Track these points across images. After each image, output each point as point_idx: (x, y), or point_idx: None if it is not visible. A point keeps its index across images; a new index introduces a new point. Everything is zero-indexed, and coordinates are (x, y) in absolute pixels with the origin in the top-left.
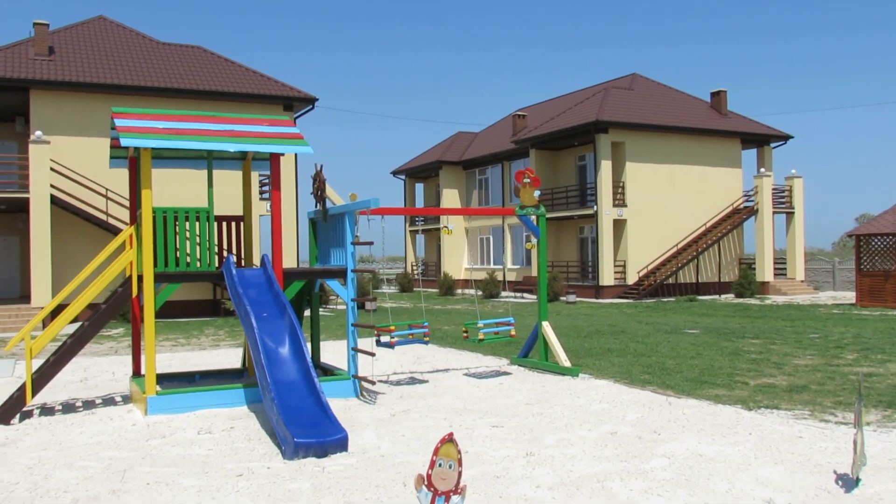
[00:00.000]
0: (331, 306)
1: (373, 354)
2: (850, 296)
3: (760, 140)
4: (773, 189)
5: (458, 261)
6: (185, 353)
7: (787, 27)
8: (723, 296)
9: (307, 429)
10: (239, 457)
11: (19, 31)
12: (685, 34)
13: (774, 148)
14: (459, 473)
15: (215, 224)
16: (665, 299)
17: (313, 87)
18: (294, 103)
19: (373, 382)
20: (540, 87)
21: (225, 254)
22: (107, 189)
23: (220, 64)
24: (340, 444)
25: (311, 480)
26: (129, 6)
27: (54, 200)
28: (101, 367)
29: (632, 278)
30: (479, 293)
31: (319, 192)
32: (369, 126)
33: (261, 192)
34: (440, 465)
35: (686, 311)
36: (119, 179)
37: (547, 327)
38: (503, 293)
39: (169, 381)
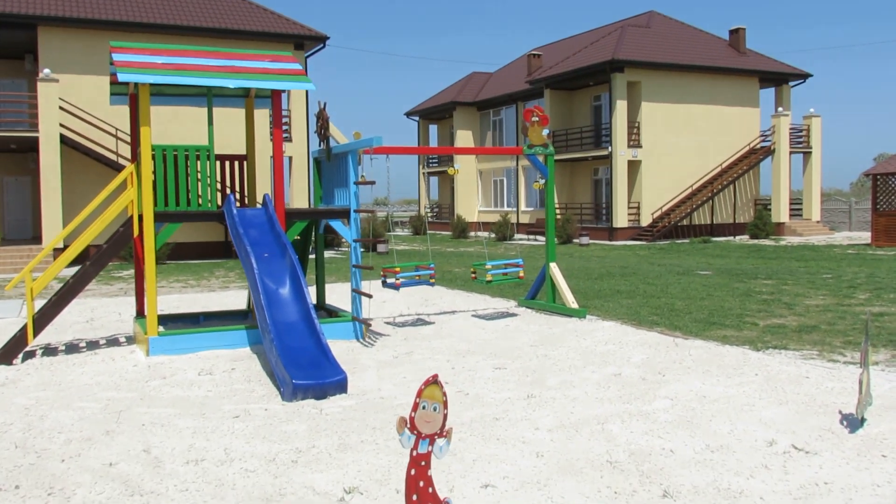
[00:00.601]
0: (343, 248)
1: (370, 296)
2: (865, 236)
3: (779, 79)
4: (791, 129)
5: (471, 203)
6: (194, 295)
7: None
8: (738, 237)
9: (306, 370)
10: (238, 398)
11: None
12: None
13: (793, 87)
14: (445, 416)
15: (216, 163)
16: (679, 241)
17: (325, 26)
18: (305, 42)
19: (369, 324)
20: (558, 25)
21: (229, 193)
22: (116, 129)
23: (231, 1)
24: (339, 385)
25: (308, 422)
26: None
27: (64, 140)
28: (108, 308)
29: (646, 220)
30: (492, 235)
31: (323, 131)
32: (383, 66)
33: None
34: (424, 408)
35: (700, 252)
36: (128, 118)
37: (555, 269)
38: (516, 235)
39: (173, 321)
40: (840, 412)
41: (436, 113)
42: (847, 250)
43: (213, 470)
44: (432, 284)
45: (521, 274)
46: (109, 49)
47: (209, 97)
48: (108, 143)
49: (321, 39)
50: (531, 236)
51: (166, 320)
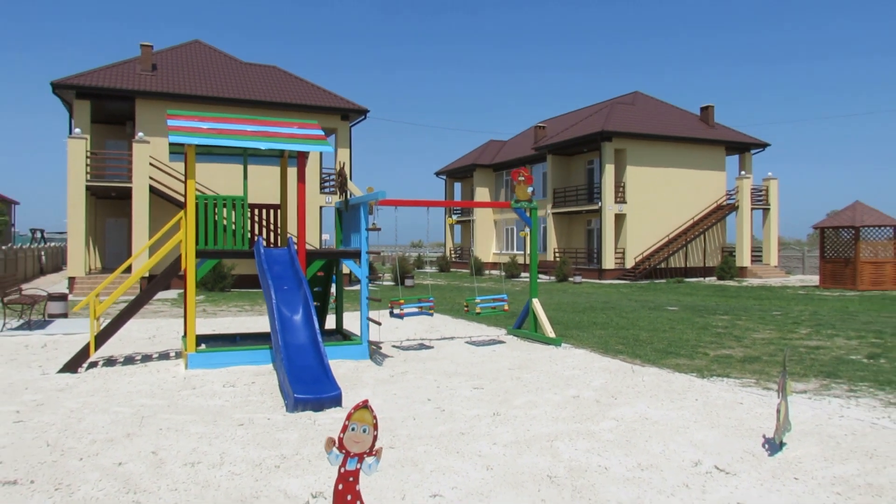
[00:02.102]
0: (378, 283)
1: (379, 324)
2: (816, 279)
3: (742, 147)
4: (752, 189)
5: (487, 246)
6: (245, 318)
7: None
8: (707, 278)
9: (308, 386)
10: (249, 408)
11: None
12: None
13: (754, 154)
14: (375, 437)
15: (256, 210)
16: (657, 281)
17: (369, 100)
18: (349, 114)
19: (379, 347)
20: (563, 101)
21: (258, 235)
22: (199, 183)
23: (289, 80)
24: (335, 400)
25: (301, 431)
26: (224, 32)
27: (152, 189)
28: (171, 327)
29: (630, 263)
30: (503, 273)
31: (342, 186)
32: (418, 133)
33: (322, 187)
34: (353, 430)
35: (673, 291)
36: (206, 174)
37: (536, 303)
38: (522, 274)
39: (214, 340)
40: (764, 436)
41: (459, 173)
42: (798, 291)
43: (204, 472)
44: (431, 315)
45: (506, 307)
46: (166, 116)
47: (245, 156)
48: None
49: (363, 112)
50: None
51: (209, 339)
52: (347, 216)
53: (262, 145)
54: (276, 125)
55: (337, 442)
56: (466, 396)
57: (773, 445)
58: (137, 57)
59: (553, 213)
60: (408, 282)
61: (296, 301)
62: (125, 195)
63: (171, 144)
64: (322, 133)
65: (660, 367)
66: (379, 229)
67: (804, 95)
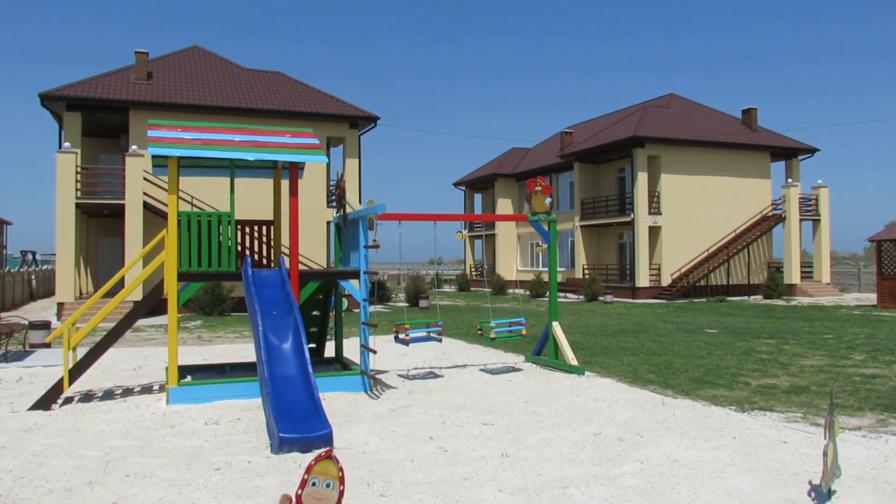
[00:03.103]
0: (391, 304)
1: (373, 351)
2: (873, 298)
3: (788, 153)
4: (801, 198)
5: (510, 263)
6: (242, 345)
7: (816, 46)
8: (752, 297)
9: (296, 423)
10: (230, 449)
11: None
12: (721, 57)
13: (802, 160)
14: (341, 493)
15: (236, 227)
16: (696, 300)
17: (381, 107)
18: (359, 121)
19: (376, 378)
20: (591, 105)
21: (247, 255)
22: (192, 196)
23: (295, 87)
24: (324, 439)
25: (283, 477)
26: (224, 37)
27: (147, 206)
28: (161, 357)
29: (666, 280)
30: (527, 293)
31: (340, 199)
32: (434, 142)
33: (329, 201)
34: (314, 484)
35: (714, 311)
36: (202, 188)
37: (556, 327)
38: (548, 293)
39: (202, 372)
40: (810, 482)
41: (479, 183)
42: (853, 311)
43: None
44: (440, 340)
45: (523, 332)
46: (147, 126)
47: (231, 168)
48: (184, 209)
49: (373, 119)
50: (562, 294)
51: (197, 370)
52: (346, 232)
53: (250, 156)
54: (266, 134)
55: (294, 500)
56: (474, 434)
57: (821, 494)
58: (132, 65)
59: (581, 226)
60: (423, 303)
61: (285, 327)
62: (119, 213)
63: (153, 157)
64: (317, 142)
65: (694, 399)
66: (377, 246)
67: (856, 95)
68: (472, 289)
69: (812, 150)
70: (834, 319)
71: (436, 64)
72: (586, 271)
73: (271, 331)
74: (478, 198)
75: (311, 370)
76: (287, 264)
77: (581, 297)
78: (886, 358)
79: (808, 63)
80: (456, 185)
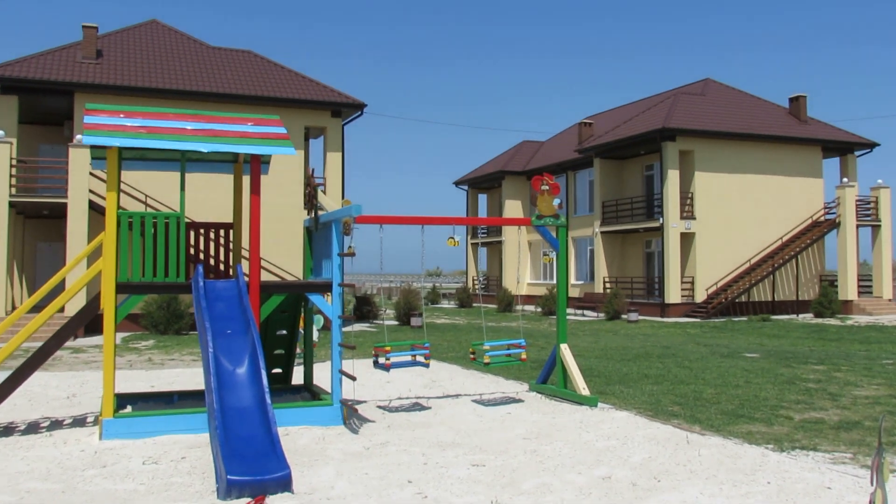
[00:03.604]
0: (377, 322)
1: (353, 378)
2: None
3: (843, 148)
4: (858, 200)
5: (521, 275)
6: (197, 369)
7: (875, 23)
8: (801, 315)
9: (248, 464)
10: (169, 494)
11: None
12: (766, 36)
13: (859, 156)
14: None
15: (185, 231)
16: (736, 319)
17: (370, 93)
18: (342, 109)
19: (354, 409)
20: (615, 93)
21: (198, 264)
22: (146, 195)
23: (268, 68)
24: (281, 483)
25: None
26: (188, 10)
27: (93, 206)
28: (100, 383)
29: (700, 296)
30: (539, 310)
31: (311, 200)
32: (433, 134)
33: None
34: None
35: (756, 331)
36: (159, 186)
37: (565, 351)
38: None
39: (146, 401)
40: None
41: (485, 182)
42: None
43: None
44: (427, 365)
45: (524, 355)
46: (84, 111)
47: (182, 161)
48: (138, 210)
49: (359, 107)
50: (579, 311)
51: (142, 399)
52: (318, 238)
53: (204, 147)
54: (224, 122)
55: None
56: (460, 477)
57: None
58: (79, 42)
59: (602, 233)
60: (415, 321)
61: (241, 349)
62: (60, 213)
63: (91, 148)
64: (284, 131)
65: (725, 437)
66: (353, 254)
67: None
68: (474, 304)
69: (871, 145)
70: (895, 342)
71: (435, 42)
72: (608, 285)
73: (224, 353)
74: (482, 199)
75: (268, 400)
76: (247, 274)
77: (601, 314)
78: None
79: (865, 43)
80: (457, 184)
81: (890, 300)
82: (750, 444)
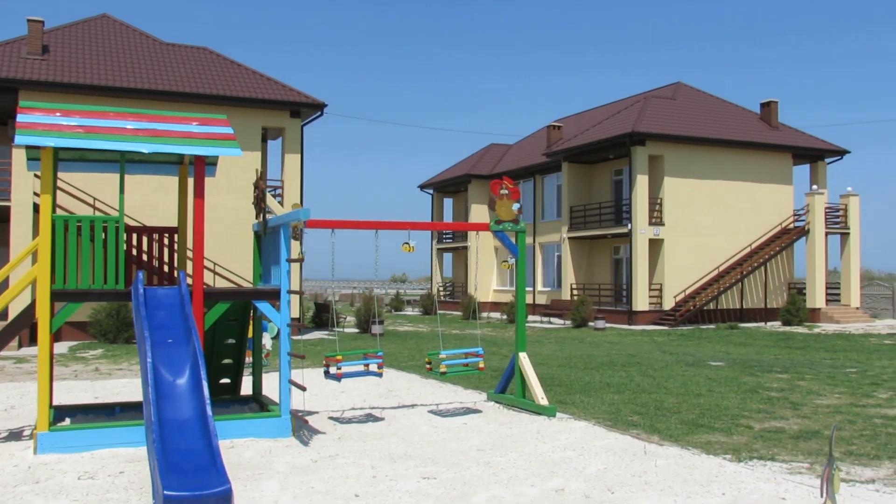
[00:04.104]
0: (337, 328)
1: (303, 388)
2: None
3: (814, 155)
4: (827, 208)
5: (487, 281)
6: None
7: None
8: (769, 323)
9: (187, 478)
10: None
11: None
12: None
13: (829, 164)
14: None
15: (127, 235)
16: (704, 326)
17: (334, 92)
18: (301, 109)
19: (305, 420)
20: (585, 97)
21: (138, 270)
22: (94, 199)
23: (225, 66)
24: (221, 498)
25: None
26: (141, 5)
27: (38, 209)
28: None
29: (668, 303)
30: (504, 317)
31: (259, 203)
32: (396, 136)
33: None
34: None
35: (723, 339)
36: (110, 188)
37: (524, 359)
38: (530, 317)
39: (87, 413)
40: None
41: (451, 186)
42: (884, 340)
43: None
44: (380, 375)
45: (481, 364)
46: (17, 109)
47: (121, 163)
48: (87, 214)
49: (318, 107)
50: (546, 318)
51: (78, 411)
52: (266, 242)
53: (145, 148)
54: (167, 121)
55: None
56: (409, 490)
57: None
58: (24, 36)
59: (569, 238)
60: (376, 328)
61: (181, 359)
62: (3, 217)
63: (26, 148)
64: (230, 131)
65: (683, 447)
66: (302, 259)
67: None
68: (439, 311)
69: (841, 152)
70: (861, 350)
71: (401, 38)
72: (575, 292)
73: (164, 363)
74: (448, 203)
75: (209, 412)
76: (189, 282)
77: (568, 322)
78: None
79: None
80: (422, 187)
81: (857, 308)
82: (708, 455)
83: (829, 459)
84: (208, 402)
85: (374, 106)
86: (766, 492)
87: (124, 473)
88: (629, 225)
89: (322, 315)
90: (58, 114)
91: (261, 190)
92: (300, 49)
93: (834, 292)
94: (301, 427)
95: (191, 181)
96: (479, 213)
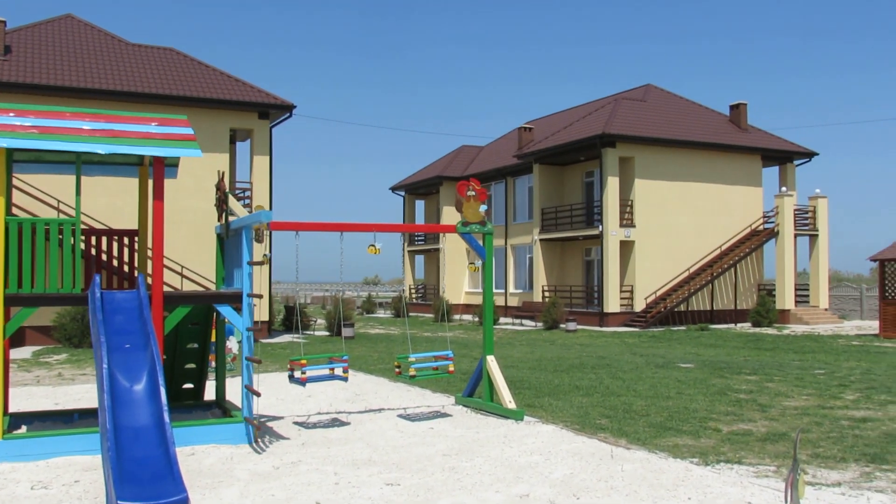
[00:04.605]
0: (308, 332)
1: (257, 394)
2: (876, 326)
3: (783, 157)
4: (796, 210)
5: (458, 284)
6: None
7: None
8: (739, 325)
9: (142, 487)
10: None
11: None
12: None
13: (798, 166)
14: None
15: (85, 238)
16: (675, 328)
17: (303, 93)
18: (270, 110)
19: (258, 427)
20: (557, 98)
21: (96, 273)
22: (59, 201)
23: (192, 67)
24: None
25: None
26: (107, 4)
27: None
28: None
29: (639, 305)
30: (477, 319)
31: (221, 205)
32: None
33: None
34: None
35: (694, 341)
36: (72, 190)
37: (492, 362)
38: (502, 319)
39: (43, 420)
40: None
41: (422, 188)
42: (852, 342)
43: None
44: (345, 379)
45: (451, 367)
46: None
47: (78, 164)
48: (52, 217)
49: (287, 108)
50: (518, 320)
51: (35, 418)
52: (229, 245)
53: (101, 149)
54: (125, 122)
55: None
56: (372, 497)
57: None
58: None
59: (541, 240)
60: (347, 331)
61: (139, 365)
62: None
63: None
64: (190, 132)
65: (650, 451)
66: (265, 262)
67: (862, 90)
68: (411, 314)
69: (810, 154)
70: (829, 351)
71: (371, 40)
72: (546, 293)
73: (120, 369)
74: (420, 205)
75: (167, 419)
76: (149, 286)
77: (540, 324)
78: (881, 398)
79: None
80: (394, 189)
81: (826, 309)
82: (675, 458)
83: (794, 464)
84: (166, 408)
85: (344, 108)
86: (733, 496)
87: (80, 482)
88: (600, 227)
89: (293, 318)
90: (11, 114)
91: (222, 192)
92: (269, 51)
93: (803, 294)
94: (265, 433)
95: (151, 183)
96: (450, 214)
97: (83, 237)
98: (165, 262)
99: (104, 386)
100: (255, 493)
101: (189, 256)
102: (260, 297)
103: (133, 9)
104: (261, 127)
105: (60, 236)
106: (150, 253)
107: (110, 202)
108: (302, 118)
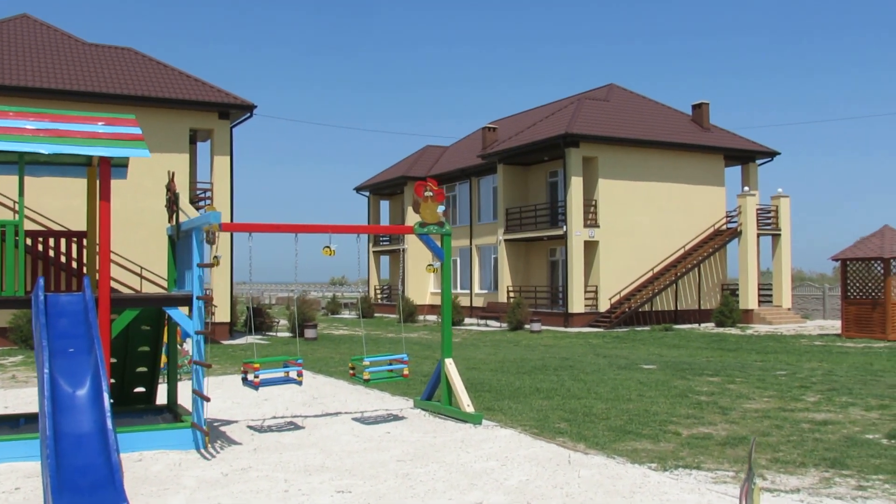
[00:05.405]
0: (270, 333)
1: (207, 399)
2: (839, 325)
3: (745, 156)
4: (758, 209)
5: (423, 284)
6: None
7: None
8: (702, 325)
9: (82, 496)
10: None
11: None
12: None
13: (760, 165)
14: None
15: (31, 240)
16: (639, 328)
17: (266, 93)
18: (230, 111)
19: (206, 433)
20: (520, 98)
21: (40, 276)
22: (14, 201)
23: (150, 67)
24: None
25: None
26: (67, 5)
27: None
28: None
29: (604, 305)
30: (440, 320)
31: (172, 206)
32: (329, 137)
33: (198, 203)
34: None
35: (657, 341)
36: (29, 191)
37: (450, 365)
38: (466, 320)
39: None
40: None
41: (387, 188)
42: (815, 341)
43: None
44: (299, 383)
45: (406, 371)
46: None
47: (21, 164)
48: (8, 217)
49: (248, 108)
50: (483, 321)
51: None
52: (180, 247)
53: (45, 149)
54: (70, 121)
55: None
56: None
57: None
58: None
59: (506, 241)
60: (309, 332)
61: (82, 370)
62: None
63: None
64: (138, 132)
65: (608, 455)
66: (216, 264)
67: (825, 89)
68: (376, 314)
69: (772, 154)
70: (791, 352)
71: (335, 37)
72: (511, 294)
73: (63, 374)
74: (384, 205)
75: (110, 425)
76: (95, 288)
77: (504, 325)
78: (843, 399)
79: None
80: (358, 189)
81: (789, 309)
82: (633, 464)
83: (749, 473)
84: (109, 414)
85: (309, 108)
86: (690, 503)
87: (20, 490)
88: (564, 227)
89: (256, 319)
90: None
91: (173, 192)
92: (230, 51)
93: (766, 293)
94: (216, 437)
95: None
96: (415, 215)
97: (30, 239)
98: (125, 263)
99: (45, 391)
100: (201, 501)
101: (149, 258)
102: (210, 299)
103: (91, 8)
104: (221, 127)
105: (3, 239)
106: (92, 254)
107: (68, 203)
108: (264, 118)
